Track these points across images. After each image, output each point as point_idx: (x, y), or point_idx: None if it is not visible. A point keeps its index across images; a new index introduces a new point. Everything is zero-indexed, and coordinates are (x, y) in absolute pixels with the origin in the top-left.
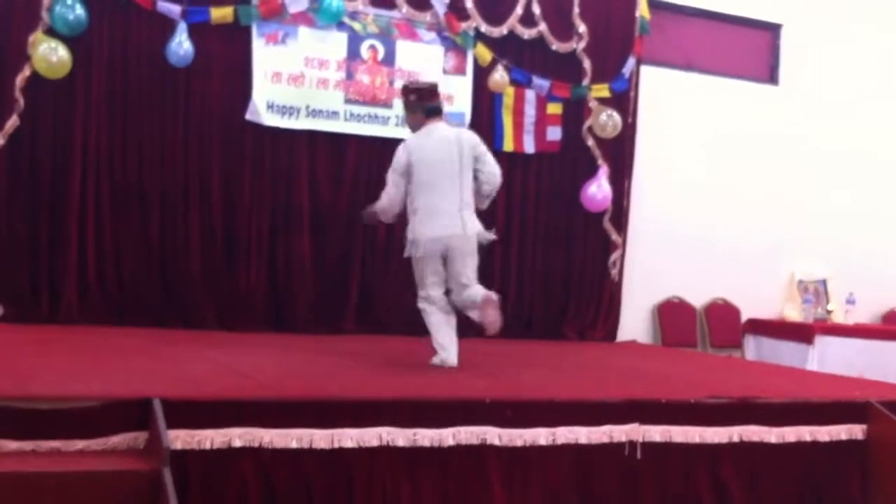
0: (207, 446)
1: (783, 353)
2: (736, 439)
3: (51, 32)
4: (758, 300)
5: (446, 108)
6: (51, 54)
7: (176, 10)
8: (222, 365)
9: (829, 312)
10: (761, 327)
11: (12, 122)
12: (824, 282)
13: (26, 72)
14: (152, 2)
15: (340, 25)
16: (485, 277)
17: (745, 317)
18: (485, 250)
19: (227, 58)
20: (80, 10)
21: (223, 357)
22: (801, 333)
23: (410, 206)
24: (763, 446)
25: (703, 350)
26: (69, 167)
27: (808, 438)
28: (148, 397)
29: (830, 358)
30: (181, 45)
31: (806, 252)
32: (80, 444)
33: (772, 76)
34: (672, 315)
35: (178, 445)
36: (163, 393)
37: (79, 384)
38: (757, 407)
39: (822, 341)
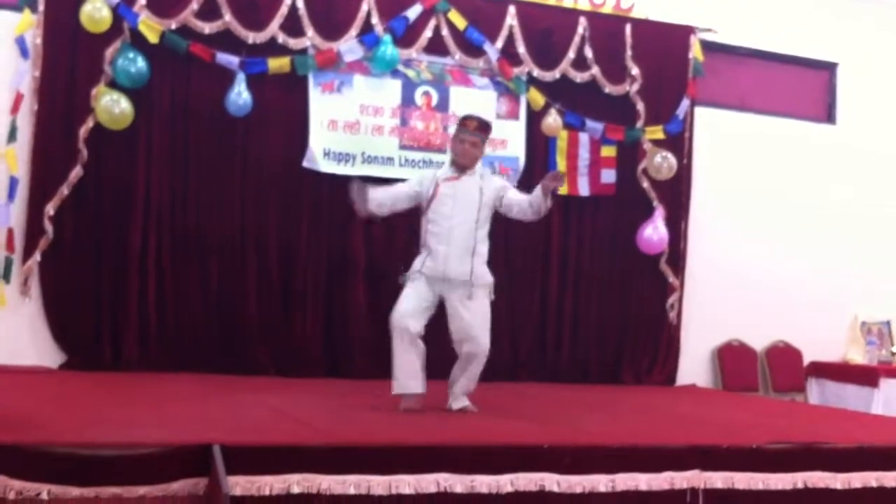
0: (266, 493)
1: (847, 396)
2: (800, 486)
3: (113, 85)
4: (820, 343)
5: (501, 152)
6: (113, 106)
7: (234, 61)
8: (280, 411)
9: (893, 355)
10: (824, 370)
11: (76, 172)
12: (888, 323)
13: (89, 123)
14: (212, 54)
15: (395, 73)
16: (539, 321)
17: (807, 360)
18: (540, 292)
19: (285, 107)
20: (141, 64)
21: (281, 403)
22: (866, 376)
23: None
24: (828, 493)
25: (765, 394)
26: (131, 216)
27: (874, 484)
28: (208, 444)
29: None
30: (240, 95)
31: (869, 293)
32: (141, 491)
33: (829, 115)
34: (732, 358)
35: (238, 492)
36: (222, 439)
37: (140, 431)
38: (821, 452)
39: (887, 384)
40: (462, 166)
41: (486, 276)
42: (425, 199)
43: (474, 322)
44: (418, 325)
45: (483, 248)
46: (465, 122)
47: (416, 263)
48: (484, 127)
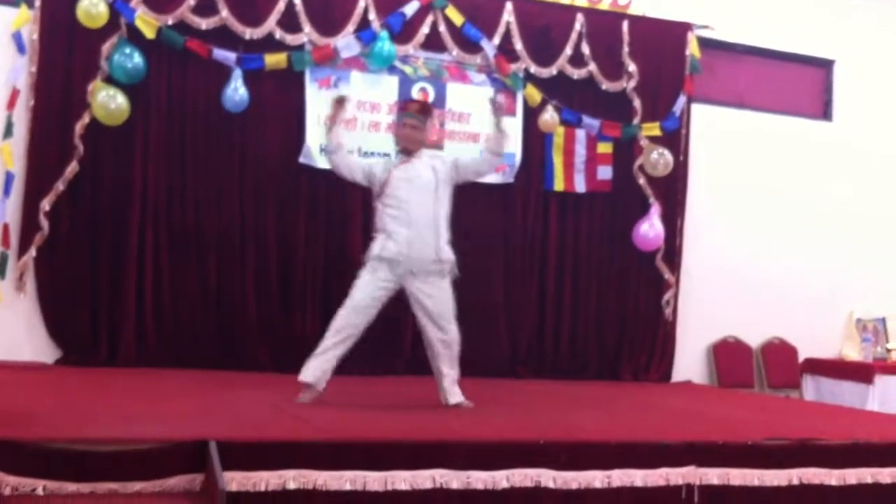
0: (262, 488)
1: (842, 393)
2: (795, 482)
3: (109, 80)
4: (815, 339)
5: None
6: (109, 102)
7: (231, 57)
8: (277, 407)
9: (888, 351)
10: (819, 367)
11: (72, 168)
12: (883, 320)
13: (86, 119)
14: (208, 50)
15: (392, 69)
16: (537, 318)
17: (802, 356)
18: (538, 289)
19: (281, 103)
20: (137, 59)
21: (278, 399)
22: (861, 373)
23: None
24: (823, 489)
25: (761, 391)
26: (128, 212)
27: (869, 480)
28: (204, 439)
29: (891, 398)
30: (236, 91)
31: (864, 290)
32: (137, 486)
33: (825, 112)
34: (728, 355)
35: (234, 487)
36: (219, 435)
37: (136, 427)
38: (817, 449)
39: (882, 381)
40: (407, 150)
41: (450, 254)
42: (378, 184)
43: (439, 310)
44: (363, 324)
45: (444, 227)
46: (405, 105)
47: (375, 248)
48: (425, 110)
